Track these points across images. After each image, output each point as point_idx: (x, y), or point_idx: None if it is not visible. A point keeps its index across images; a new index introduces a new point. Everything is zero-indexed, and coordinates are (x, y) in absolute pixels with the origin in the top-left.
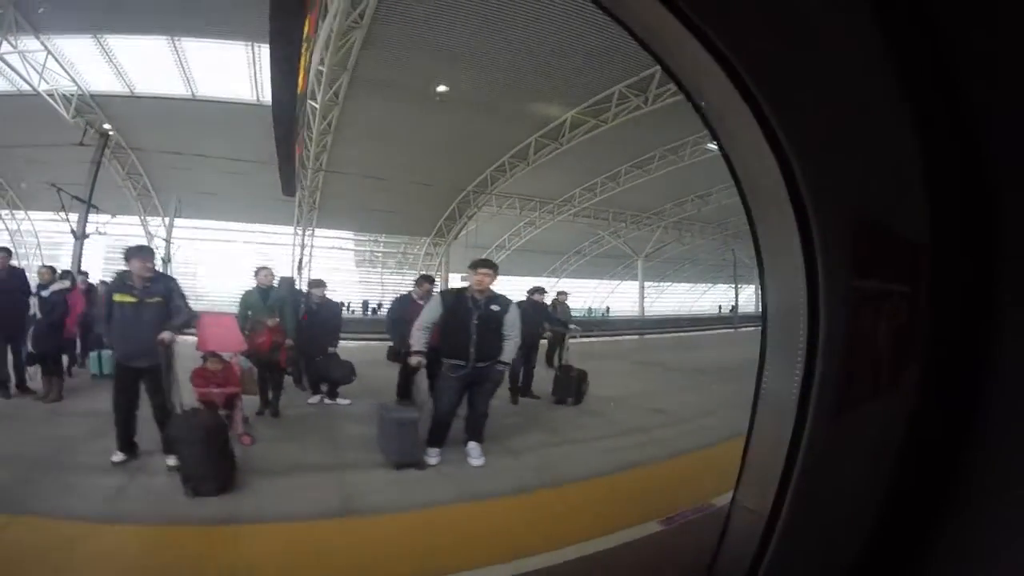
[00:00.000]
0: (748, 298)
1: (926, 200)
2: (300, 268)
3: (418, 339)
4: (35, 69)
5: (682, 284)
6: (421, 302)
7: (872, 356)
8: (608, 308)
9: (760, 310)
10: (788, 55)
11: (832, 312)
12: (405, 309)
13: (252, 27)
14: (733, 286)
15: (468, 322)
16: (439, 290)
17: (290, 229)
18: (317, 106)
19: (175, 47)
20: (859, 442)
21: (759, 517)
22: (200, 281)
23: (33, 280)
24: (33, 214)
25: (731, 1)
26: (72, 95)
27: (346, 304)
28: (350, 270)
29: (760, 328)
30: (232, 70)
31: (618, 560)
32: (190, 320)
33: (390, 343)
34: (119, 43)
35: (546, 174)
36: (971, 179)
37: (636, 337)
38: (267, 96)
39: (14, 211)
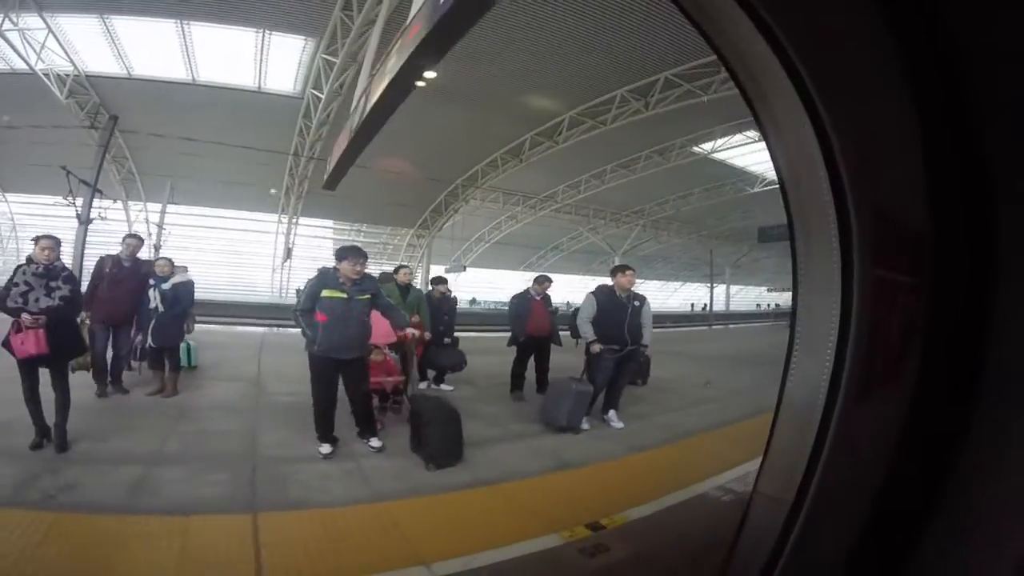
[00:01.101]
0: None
1: (928, 193)
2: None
3: (588, 330)
4: (33, 48)
5: (653, 281)
6: (539, 298)
7: (888, 344)
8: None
9: (790, 301)
10: (832, 44)
11: (862, 300)
12: (525, 304)
13: (264, 14)
14: (708, 285)
15: (620, 314)
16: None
17: (274, 217)
18: (322, 96)
19: (182, 31)
20: (879, 429)
21: (781, 506)
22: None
23: None
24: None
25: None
26: (67, 75)
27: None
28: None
29: (767, 319)
30: (237, 56)
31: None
32: (405, 316)
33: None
34: (124, 24)
35: (533, 170)
36: (971, 174)
37: None
38: (269, 83)
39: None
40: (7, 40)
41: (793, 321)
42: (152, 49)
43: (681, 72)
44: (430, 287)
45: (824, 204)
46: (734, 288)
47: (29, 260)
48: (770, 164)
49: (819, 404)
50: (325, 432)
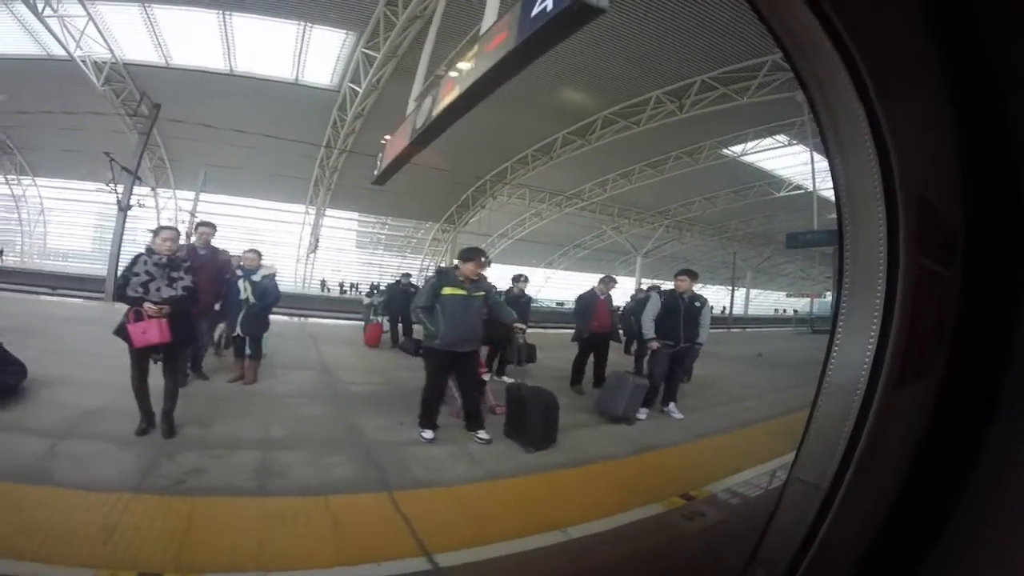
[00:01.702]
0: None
1: (962, 189)
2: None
3: (649, 328)
4: (72, 35)
5: (672, 283)
6: (603, 297)
7: (926, 332)
8: None
9: (834, 289)
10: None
11: (906, 288)
12: (590, 303)
13: (307, 7)
14: (729, 288)
15: (678, 314)
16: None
17: (301, 208)
18: (360, 90)
19: (223, 21)
20: (912, 417)
21: (817, 490)
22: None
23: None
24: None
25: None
26: (104, 62)
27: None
28: (350, 250)
29: (810, 324)
30: (277, 48)
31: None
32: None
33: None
34: (165, 13)
35: (561, 168)
36: (1004, 172)
37: None
38: (307, 76)
39: (21, 177)
40: (47, 26)
41: (836, 308)
42: (191, 39)
43: (718, 75)
44: (510, 284)
45: (874, 194)
46: (753, 292)
47: (149, 251)
48: (797, 168)
49: (860, 390)
50: (432, 419)
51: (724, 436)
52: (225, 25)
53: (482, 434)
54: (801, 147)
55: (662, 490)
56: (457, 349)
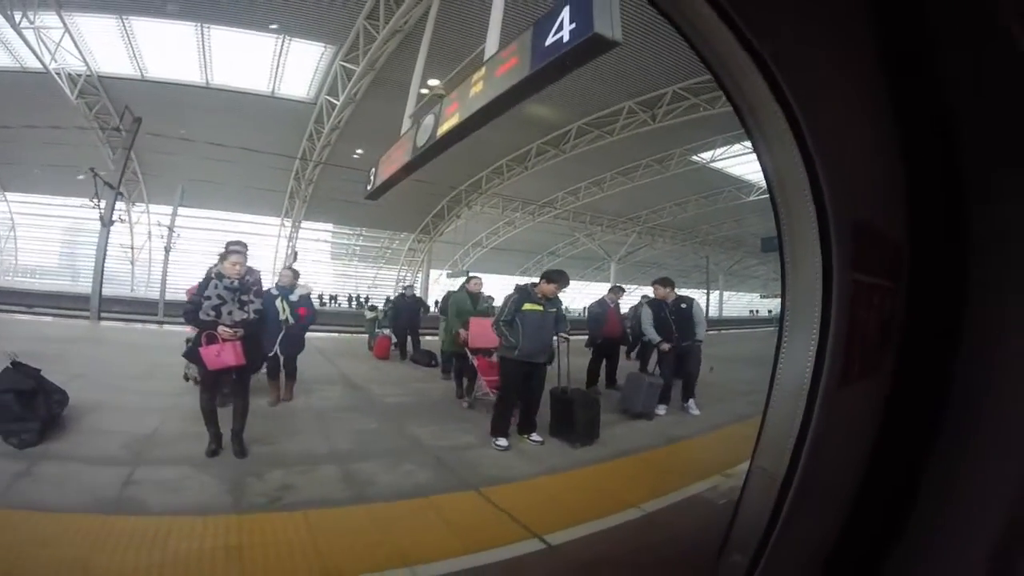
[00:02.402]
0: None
1: (908, 205)
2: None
3: (653, 333)
4: (47, 47)
5: (647, 287)
6: (613, 306)
7: (866, 341)
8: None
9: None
10: (814, 63)
11: (840, 301)
12: (603, 311)
13: (285, 20)
14: (705, 291)
15: (667, 319)
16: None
17: (276, 220)
18: (337, 103)
19: (202, 34)
20: (860, 414)
21: (775, 477)
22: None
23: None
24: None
25: (775, 17)
26: (79, 75)
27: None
28: (325, 262)
29: (750, 322)
30: (254, 61)
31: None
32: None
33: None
34: (143, 25)
35: (535, 177)
36: (949, 188)
37: None
38: (283, 89)
39: None
40: (22, 37)
41: (782, 319)
42: (168, 51)
43: (688, 86)
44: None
45: (807, 215)
46: (727, 294)
47: (219, 275)
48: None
49: (804, 390)
50: (505, 427)
51: (709, 434)
52: (203, 38)
53: (536, 436)
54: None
55: (676, 480)
56: (533, 360)
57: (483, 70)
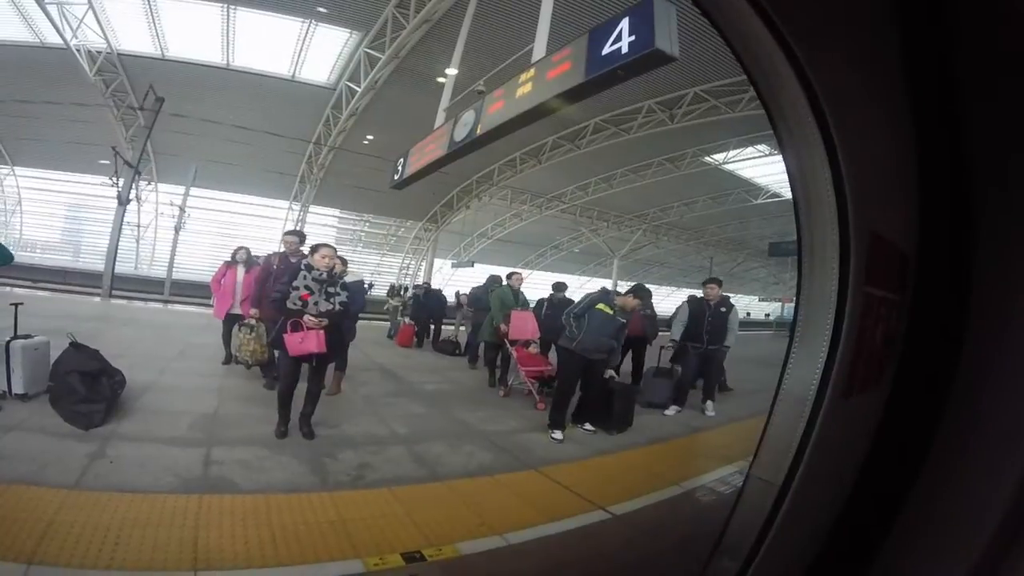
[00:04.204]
0: None
1: (918, 220)
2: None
3: (677, 331)
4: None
5: (650, 286)
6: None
7: (872, 352)
8: None
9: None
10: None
11: (852, 315)
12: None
13: (313, 5)
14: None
15: (702, 319)
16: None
17: (284, 203)
18: (358, 89)
19: (227, 15)
20: (859, 425)
21: (772, 487)
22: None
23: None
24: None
25: (816, 31)
26: (99, 52)
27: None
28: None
29: (788, 327)
30: (278, 45)
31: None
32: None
33: None
34: (168, 4)
35: (546, 171)
36: (958, 205)
37: None
38: (305, 73)
39: None
40: (46, 12)
41: (793, 328)
42: (190, 31)
43: (710, 88)
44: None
45: (830, 226)
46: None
47: (308, 266)
48: (776, 177)
49: (810, 400)
50: (562, 419)
51: (705, 434)
52: (228, 19)
53: (588, 426)
54: (779, 157)
55: (657, 480)
56: (588, 356)
57: (532, 71)
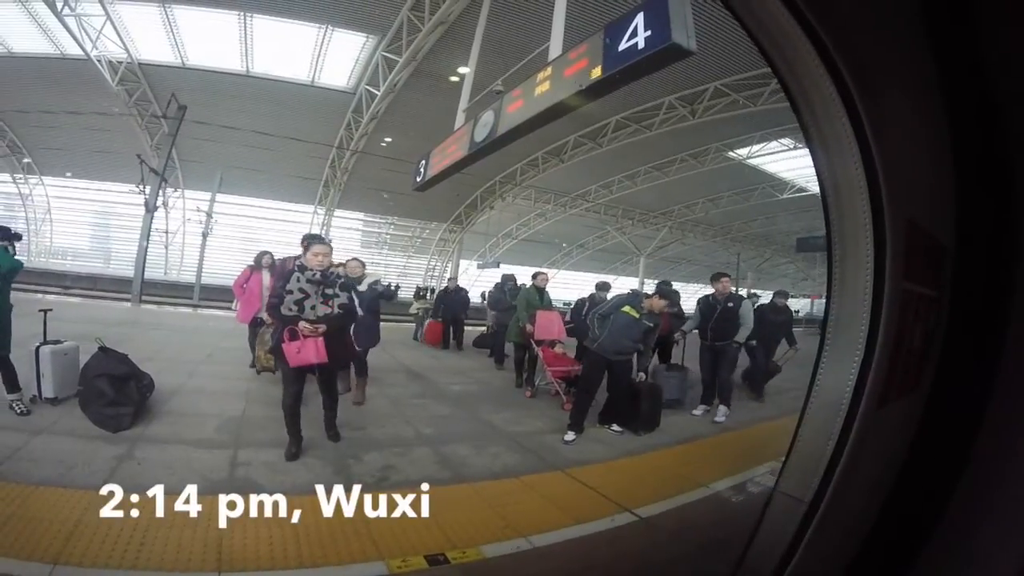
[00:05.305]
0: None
1: (956, 212)
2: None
3: (691, 324)
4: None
5: (677, 283)
6: None
7: (911, 354)
8: None
9: (823, 312)
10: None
11: (890, 313)
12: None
13: (329, 10)
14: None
15: (709, 315)
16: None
17: (310, 208)
18: (377, 93)
19: (244, 23)
20: (895, 436)
21: (800, 504)
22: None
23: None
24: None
25: (849, 23)
26: (120, 62)
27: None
28: (355, 250)
29: (819, 328)
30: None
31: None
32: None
33: None
34: (185, 14)
35: (568, 170)
36: (999, 200)
37: None
38: (324, 78)
39: (28, 176)
40: (64, 24)
41: (824, 328)
42: (209, 39)
43: (731, 82)
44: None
45: (863, 219)
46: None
47: (302, 267)
48: (801, 171)
49: (843, 409)
50: (581, 421)
51: (734, 434)
52: (245, 27)
53: (615, 427)
54: (805, 151)
55: (677, 485)
56: (609, 357)
57: (549, 70)
